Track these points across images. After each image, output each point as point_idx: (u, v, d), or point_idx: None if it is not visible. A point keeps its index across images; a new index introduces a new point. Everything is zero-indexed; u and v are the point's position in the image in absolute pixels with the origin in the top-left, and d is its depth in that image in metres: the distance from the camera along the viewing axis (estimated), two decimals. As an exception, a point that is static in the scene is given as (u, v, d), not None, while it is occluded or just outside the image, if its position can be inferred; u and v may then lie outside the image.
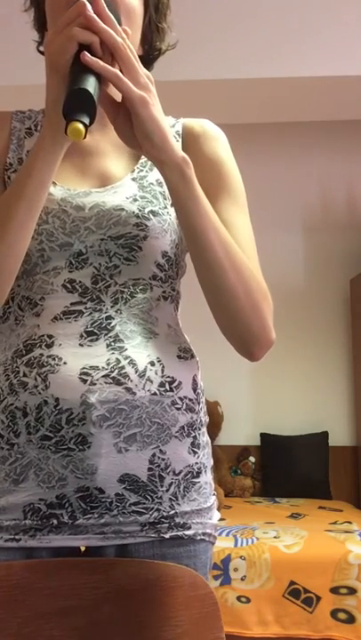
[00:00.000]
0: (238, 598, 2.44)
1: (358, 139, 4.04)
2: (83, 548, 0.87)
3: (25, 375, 0.85)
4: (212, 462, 0.95)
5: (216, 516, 0.93)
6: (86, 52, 0.75)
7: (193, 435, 0.90)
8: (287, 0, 3.32)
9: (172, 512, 0.86)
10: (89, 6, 0.77)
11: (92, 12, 0.76)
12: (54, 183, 0.90)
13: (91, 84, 0.74)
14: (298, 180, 4.04)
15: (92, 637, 0.80)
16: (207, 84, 3.37)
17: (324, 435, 3.76)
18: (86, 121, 0.72)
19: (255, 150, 3.94)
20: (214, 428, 3.69)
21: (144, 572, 0.82)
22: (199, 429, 0.91)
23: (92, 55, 0.76)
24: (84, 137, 0.72)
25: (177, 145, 0.82)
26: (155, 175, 0.95)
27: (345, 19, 3.30)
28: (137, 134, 0.80)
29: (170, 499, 0.86)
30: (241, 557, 2.49)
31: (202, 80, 3.33)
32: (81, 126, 0.71)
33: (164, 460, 0.86)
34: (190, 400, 0.90)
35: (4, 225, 0.81)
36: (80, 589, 0.81)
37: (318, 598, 2.41)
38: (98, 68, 0.76)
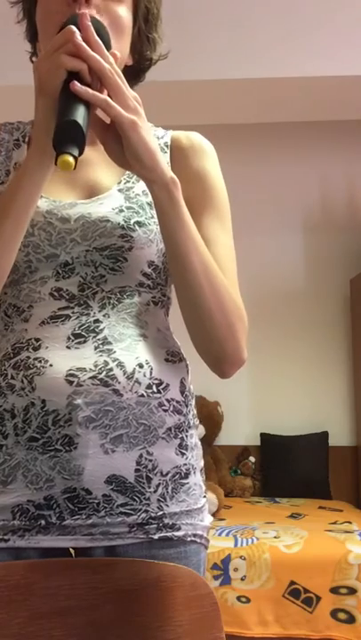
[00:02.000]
0: (238, 598, 2.44)
1: (359, 139, 4.04)
2: (72, 551, 0.87)
3: (12, 377, 0.86)
4: (202, 464, 0.95)
5: (208, 518, 0.93)
6: (76, 82, 0.76)
7: (180, 436, 0.90)
8: (287, 0, 3.32)
9: (161, 513, 0.86)
10: (77, 34, 0.77)
11: (80, 39, 0.77)
12: (40, 195, 0.91)
13: (80, 115, 0.75)
14: (298, 181, 4.04)
15: (92, 637, 0.81)
16: (207, 84, 3.37)
17: (324, 435, 3.76)
18: (76, 153, 0.73)
19: (255, 150, 3.94)
20: (214, 428, 3.69)
21: (144, 572, 0.82)
22: (187, 431, 0.92)
23: (80, 81, 0.77)
24: (74, 168, 0.73)
25: (166, 165, 0.84)
26: (141, 186, 0.96)
27: (345, 19, 3.30)
28: (127, 156, 0.82)
29: (158, 500, 0.86)
30: (241, 557, 2.49)
31: (202, 80, 3.33)
32: (71, 159, 0.73)
33: (151, 461, 0.86)
34: (178, 402, 0.91)
35: None
36: (80, 589, 0.81)
37: (318, 598, 2.42)
38: (87, 97, 0.76)
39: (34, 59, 1.02)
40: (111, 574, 0.82)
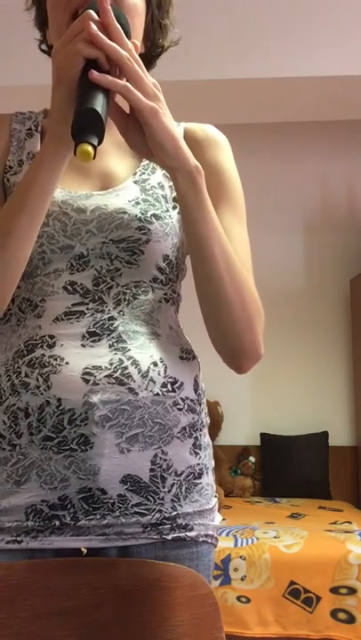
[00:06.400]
0: (238, 598, 2.44)
1: (358, 139, 4.04)
2: (84, 550, 0.87)
3: (27, 375, 0.85)
4: (213, 464, 0.95)
5: (218, 517, 0.92)
6: (94, 71, 0.74)
7: (194, 435, 0.90)
8: (288, 0, 3.32)
9: (174, 513, 0.86)
10: (93, 20, 0.76)
11: (94, 29, 0.75)
12: None
13: (99, 103, 0.73)
14: (298, 180, 4.04)
15: (92, 637, 0.80)
16: (207, 84, 3.37)
17: (324, 435, 3.76)
18: (95, 142, 0.72)
19: (255, 150, 3.94)
20: (214, 427, 3.69)
21: (144, 572, 0.82)
22: (200, 430, 0.91)
23: (98, 68, 0.75)
24: (94, 158, 0.72)
25: (190, 153, 0.82)
26: (157, 178, 0.95)
27: (346, 19, 3.30)
28: (150, 144, 0.80)
29: (172, 500, 0.86)
30: (241, 557, 2.49)
31: (202, 80, 3.33)
32: (90, 148, 0.71)
33: (165, 460, 0.86)
34: (192, 401, 0.90)
35: (5, 235, 0.81)
36: (80, 589, 0.81)
37: (318, 598, 2.41)
38: (106, 84, 0.75)
39: (43, 46, 1.01)
40: (111, 574, 0.82)
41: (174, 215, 0.93)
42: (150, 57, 0.99)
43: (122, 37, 0.77)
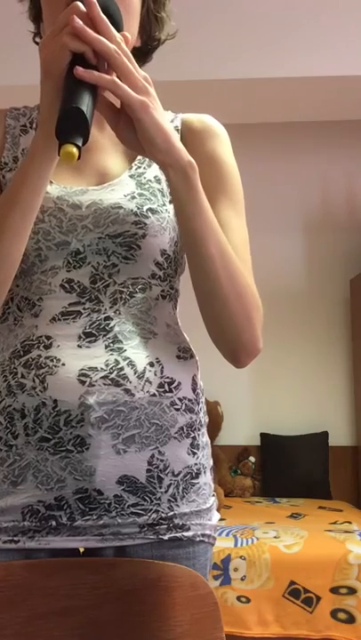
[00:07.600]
0: (238, 598, 2.44)
1: (358, 139, 4.04)
2: (81, 550, 0.87)
3: (23, 376, 0.84)
4: (211, 463, 0.95)
5: (215, 517, 0.92)
6: (78, 67, 0.72)
7: (192, 435, 0.89)
8: (288, 0, 3.32)
9: (171, 513, 0.86)
10: (79, 12, 0.73)
11: (79, 22, 0.73)
12: (50, 181, 0.89)
13: (84, 101, 0.71)
14: (298, 181, 4.04)
15: (92, 637, 0.80)
16: (207, 84, 3.37)
17: (324, 435, 3.76)
18: (79, 143, 0.70)
19: (255, 150, 3.94)
20: (214, 428, 3.69)
21: (144, 572, 0.82)
22: (199, 430, 0.91)
23: (86, 63, 0.73)
24: (78, 158, 0.70)
25: (183, 148, 0.80)
26: (153, 172, 0.94)
27: (346, 19, 3.30)
28: (141, 139, 0.78)
29: (168, 500, 0.86)
30: (241, 557, 2.49)
31: (202, 80, 3.33)
32: (74, 150, 0.69)
33: (162, 461, 0.85)
34: (190, 400, 0.90)
35: None
36: (80, 589, 0.81)
37: (318, 598, 2.41)
38: (92, 80, 0.73)
39: (37, 39, 0.99)
40: (111, 574, 0.82)
41: (171, 209, 0.91)
42: (147, 50, 0.98)
43: (109, 30, 0.75)
